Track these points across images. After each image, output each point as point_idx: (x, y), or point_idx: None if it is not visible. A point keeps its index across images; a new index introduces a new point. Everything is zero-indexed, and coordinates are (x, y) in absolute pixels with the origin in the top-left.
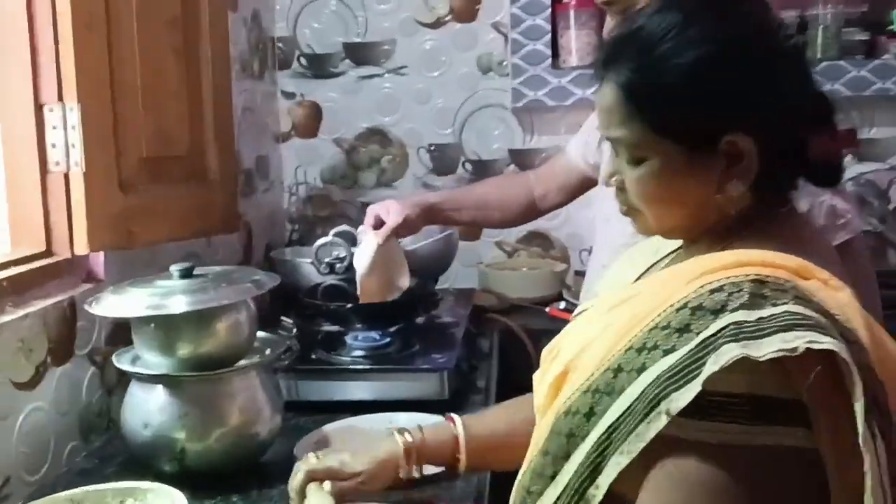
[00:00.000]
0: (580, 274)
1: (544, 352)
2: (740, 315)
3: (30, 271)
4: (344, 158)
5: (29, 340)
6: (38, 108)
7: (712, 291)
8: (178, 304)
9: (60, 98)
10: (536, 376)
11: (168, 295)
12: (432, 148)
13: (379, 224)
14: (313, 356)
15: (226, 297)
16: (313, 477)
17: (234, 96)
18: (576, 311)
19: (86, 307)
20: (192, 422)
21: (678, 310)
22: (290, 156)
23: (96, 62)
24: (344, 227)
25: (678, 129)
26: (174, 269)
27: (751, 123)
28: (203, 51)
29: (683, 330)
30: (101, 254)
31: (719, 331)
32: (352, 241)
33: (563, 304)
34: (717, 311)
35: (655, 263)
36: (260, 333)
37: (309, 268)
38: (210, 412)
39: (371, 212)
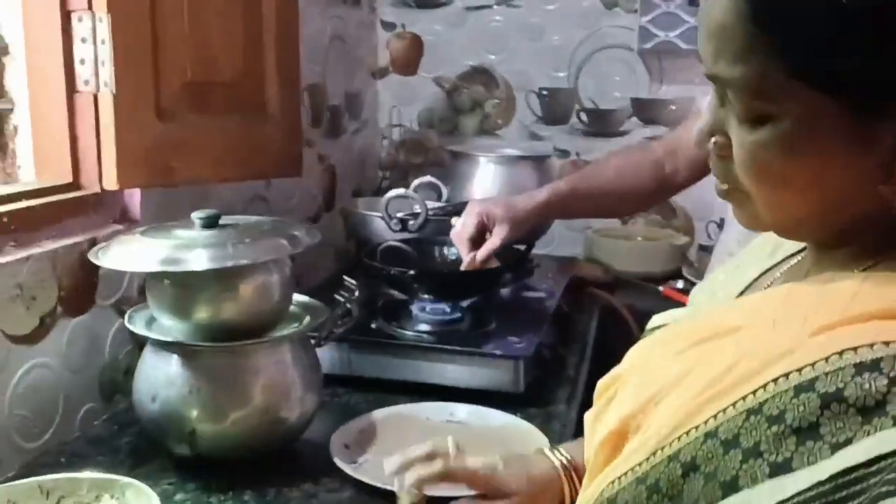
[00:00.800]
0: (705, 249)
1: (599, 385)
2: None
3: (42, 206)
4: (444, 99)
5: (31, 287)
6: (66, 15)
7: (859, 368)
8: (195, 260)
9: (90, 6)
10: (588, 417)
11: (185, 248)
12: (543, 92)
13: (480, 232)
14: (373, 325)
15: (251, 255)
16: (449, 476)
17: (321, 22)
18: (651, 323)
19: (90, 257)
20: (204, 399)
21: (798, 390)
22: (385, 94)
23: None
24: (428, 178)
25: (834, 75)
26: (196, 216)
27: None
28: None
29: (806, 434)
30: (137, 190)
31: (875, 461)
32: (436, 194)
33: (680, 284)
34: (869, 413)
35: (769, 270)
36: (300, 298)
37: (380, 223)
38: (227, 390)
39: (473, 214)
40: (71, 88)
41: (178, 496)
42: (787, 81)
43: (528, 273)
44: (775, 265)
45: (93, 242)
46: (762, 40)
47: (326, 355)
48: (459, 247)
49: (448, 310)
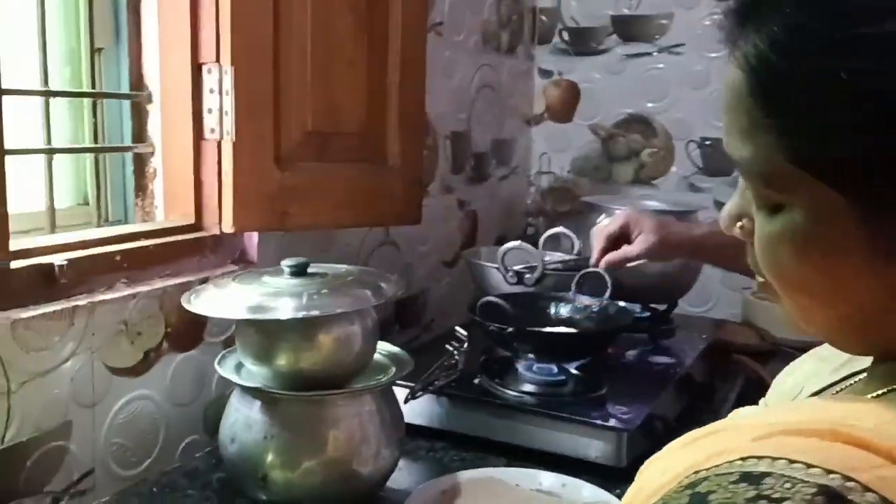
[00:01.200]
0: None
1: (641, 468)
2: None
3: (155, 246)
4: (599, 148)
5: (136, 323)
6: (197, 67)
7: (743, 478)
8: (273, 309)
9: (218, 59)
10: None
11: (269, 296)
12: (706, 142)
13: (623, 235)
14: (475, 381)
15: (329, 306)
16: None
17: (469, 71)
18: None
19: (182, 300)
20: (278, 446)
21: (687, 486)
22: (539, 141)
23: (257, 19)
24: (560, 229)
25: (838, 167)
26: (285, 264)
27: None
28: (393, 14)
29: None
30: (255, 233)
31: None
32: (568, 247)
33: None
34: None
35: (847, 377)
36: (389, 347)
37: (497, 274)
38: (300, 439)
39: (622, 216)
40: (198, 136)
41: None
42: (792, 169)
43: (667, 334)
44: (854, 373)
45: (205, 282)
46: (766, 121)
47: (427, 408)
48: (595, 241)
49: (555, 370)
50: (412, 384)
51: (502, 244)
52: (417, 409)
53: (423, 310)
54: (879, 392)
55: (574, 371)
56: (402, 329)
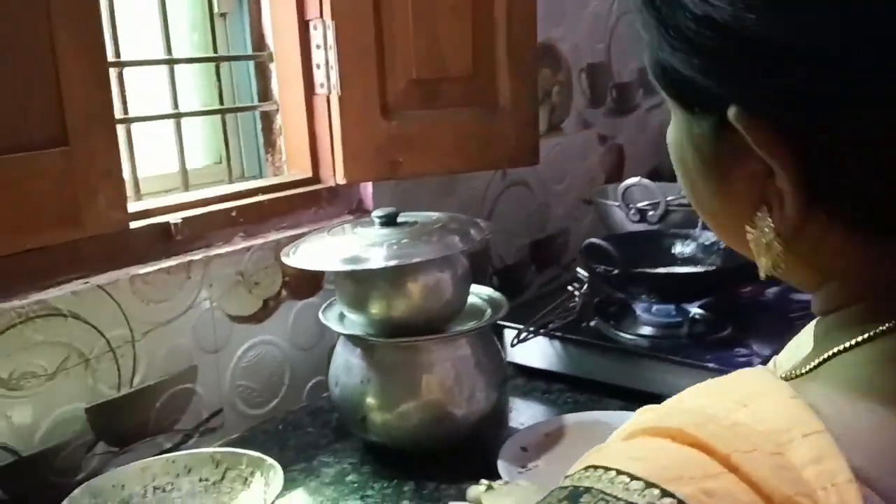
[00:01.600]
0: None
1: None
2: None
3: (269, 201)
4: None
5: (252, 273)
6: (304, 24)
7: (569, 496)
8: (367, 259)
9: (321, 14)
10: None
11: (361, 247)
12: None
13: None
14: (592, 323)
15: (413, 254)
16: None
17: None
18: None
19: (281, 255)
20: (375, 390)
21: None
22: None
23: None
24: None
25: (674, 80)
26: (375, 215)
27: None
28: None
29: None
30: (370, 184)
31: None
32: None
33: None
34: None
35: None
36: (487, 291)
37: (619, 212)
38: (394, 383)
39: None
40: (309, 91)
41: (351, 476)
42: (654, 80)
43: None
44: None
45: None
46: (644, 35)
47: (543, 350)
48: None
49: (673, 312)
50: (519, 325)
51: (655, 178)
52: (535, 351)
53: (564, 250)
54: (810, 366)
55: (696, 312)
56: (539, 270)
